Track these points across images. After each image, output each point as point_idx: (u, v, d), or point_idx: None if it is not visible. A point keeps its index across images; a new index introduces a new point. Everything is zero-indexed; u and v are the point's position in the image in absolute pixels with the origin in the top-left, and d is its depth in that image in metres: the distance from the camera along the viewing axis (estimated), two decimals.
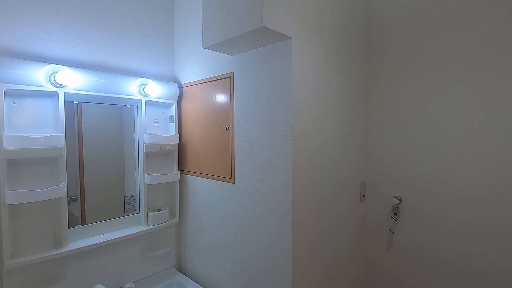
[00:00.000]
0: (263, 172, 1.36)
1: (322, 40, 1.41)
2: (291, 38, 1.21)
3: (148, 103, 1.72)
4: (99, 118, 1.61)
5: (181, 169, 1.88)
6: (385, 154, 1.73)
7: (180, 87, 1.86)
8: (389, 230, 1.72)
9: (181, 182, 1.88)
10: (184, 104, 1.85)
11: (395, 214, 1.68)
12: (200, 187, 1.75)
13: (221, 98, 1.59)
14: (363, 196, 1.80)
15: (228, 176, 1.54)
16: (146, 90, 1.65)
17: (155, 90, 1.69)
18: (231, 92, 1.51)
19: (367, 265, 1.84)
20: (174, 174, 1.80)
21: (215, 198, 1.64)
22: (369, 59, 1.77)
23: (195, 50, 1.74)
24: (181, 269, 1.94)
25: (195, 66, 1.75)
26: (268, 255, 1.35)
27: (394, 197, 1.68)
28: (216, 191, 1.63)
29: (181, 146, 1.87)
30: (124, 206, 1.68)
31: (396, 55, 1.65)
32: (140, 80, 1.64)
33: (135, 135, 1.71)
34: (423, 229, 1.59)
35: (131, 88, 1.62)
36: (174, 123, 1.82)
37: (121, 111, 1.68)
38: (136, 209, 1.72)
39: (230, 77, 1.51)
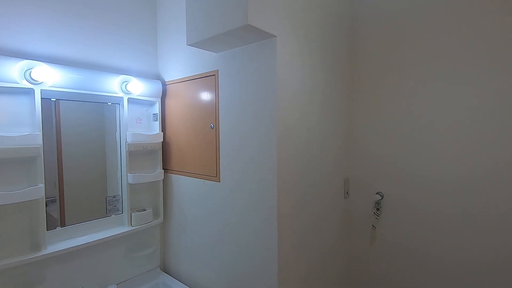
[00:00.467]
0: (248, 169, 1.36)
1: (307, 38, 1.42)
2: (276, 36, 1.22)
3: (131, 101, 1.68)
4: (79, 116, 1.55)
5: (165, 168, 1.85)
6: (367, 151, 1.77)
7: (164, 84, 1.83)
8: (372, 225, 1.76)
9: (165, 181, 1.85)
10: (168, 102, 1.82)
11: (377, 209, 1.73)
12: (185, 186, 1.73)
13: (205, 96, 1.57)
14: (347, 193, 1.84)
15: (214, 174, 1.53)
16: (128, 88, 1.61)
17: (138, 87, 1.66)
18: (216, 90, 1.50)
19: (351, 260, 1.88)
20: (158, 173, 1.77)
21: (200, 197, 1.63)
22: (353, 58, 1.81)
23: (179, 47, 1.71)
24: (166, 269, 1.92)
25: (179, 63, 1.72)
26: (254, 252, 1.36)
27: (377, 193, 1.73)
28: (201, 190, 1.62)
29: (165, 145, 1.84)
30: (106, 207, 1.64)
31: (380, 53, 1.69)
32: (121, 77, 1.60)
33: (117, 133, 1.67)
34: (404, 223, 1.64)
35: (113, 85, 1.58)
36: (158, 122, 1.79)
37: (102, 109, 1.63)
38: (119, 210, 1.68)
39: (214, 75, 1.50)
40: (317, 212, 1.55)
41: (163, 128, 1.84)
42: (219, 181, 1.50)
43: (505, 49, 1.30)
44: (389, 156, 1.68)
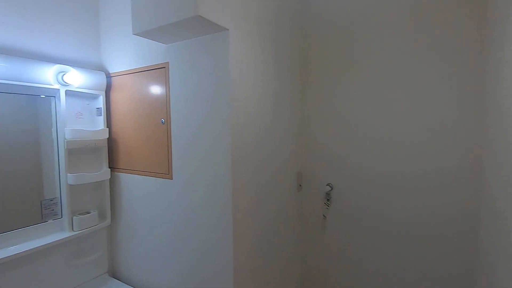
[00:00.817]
0: (202, 166, 1.33)
1: (260, 34, 1.43)
2: (228, 30, 1.20)
3: (69, 93, 1.52)
4: (6, 110, 1.36)
5: (112, 167, 1.72)
6: (319, 145, 1.86)
7: (108, 76, 1.69)
8: (323, 215, 1.86)
9: (112, 181, 1.72)
10: (113, 95, 1.69)
11: (328, 200, 1.83)
12: (135, 186, 1.63)
13: (155, 89, 1.49)
14: (300, 185, 1.91)
15: (166, 171, 1.47)
16: (66, 79, 1.46)
17: (77, 78, 1.50)
18: (166, 83, 1.43)
19: (305, 249, 1.97)
20: (103, 173, 1.64)
21: (151, 197, 1.55)
22: (304, 55, 1.87)
23: (125, 36, 1.59)
24: (115, 275, 1.79)
25: (126, 54, 1.60)
26: (209, 250, 1.33)
27: (327, 185, 1.83)
28: (153, 188, 1.54)
29: (111, 142, 1.71)
30: (41, 211, 1.47)
31: (329, 51, 1.78)
32: (57, 67, 1.44)
33: (53, 129, 1.50)
34: (350, 212, 1.76)
35: (46, 75, 1.41)
36: (102, 116, 1.65)
37: (34, 102, 1.45)
38: (57, 214, 1.52)
39: (165, 67, 1.43)
40: (272, 205, 1.59)
41: (109, 123, 1.71)
42: (172, 179, 1.44)
43: (441, 53, 1.46)
44: (337, 149, 1.78)
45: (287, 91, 1.71)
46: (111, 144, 1.71)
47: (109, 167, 1.70)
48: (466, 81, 1.40)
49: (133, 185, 1.63)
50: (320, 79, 1.82)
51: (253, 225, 1.42)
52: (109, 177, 1.69)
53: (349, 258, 1.78)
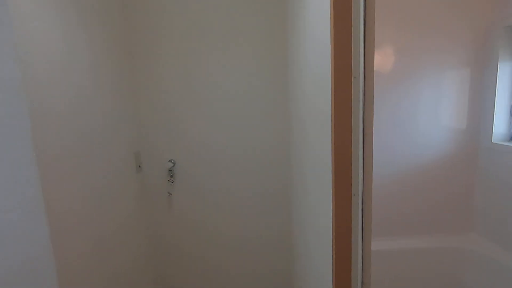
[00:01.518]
0: None
1: None
2: None
3: None
4: None
5: None
6: (155, 121, 1.75)
7: None
8: (168, 192, 1.82)
9: None
10: None
11: (171, 176, 1.79)
12: None
13: None
14: (139, 166, 1.76)
15: None
16: None
17: None
18: None
19: (151, 230, 1.88)
20: None
21: None
22: (129, 23, 1.64)
23: None
24: None
25: None
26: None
27: (169, 161, 1.78)
28: None
29: None
30: None
31: (153, 17, 1.64)
32: None
33: None
34: (193, 185, 1.82)
35: None
36: None
37: None
38: None
39: None
40: (105, 192, 1.38)
41: None
42: None
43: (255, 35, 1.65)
44: (174, 123, 1.75)
45: (112, 63, 1.47)
46: None
47: None
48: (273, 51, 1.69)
49: None
50: (148, 47, 1.67)
51: (87, 220, 1.20)
52: None
53: (197, 228, 1.87)
